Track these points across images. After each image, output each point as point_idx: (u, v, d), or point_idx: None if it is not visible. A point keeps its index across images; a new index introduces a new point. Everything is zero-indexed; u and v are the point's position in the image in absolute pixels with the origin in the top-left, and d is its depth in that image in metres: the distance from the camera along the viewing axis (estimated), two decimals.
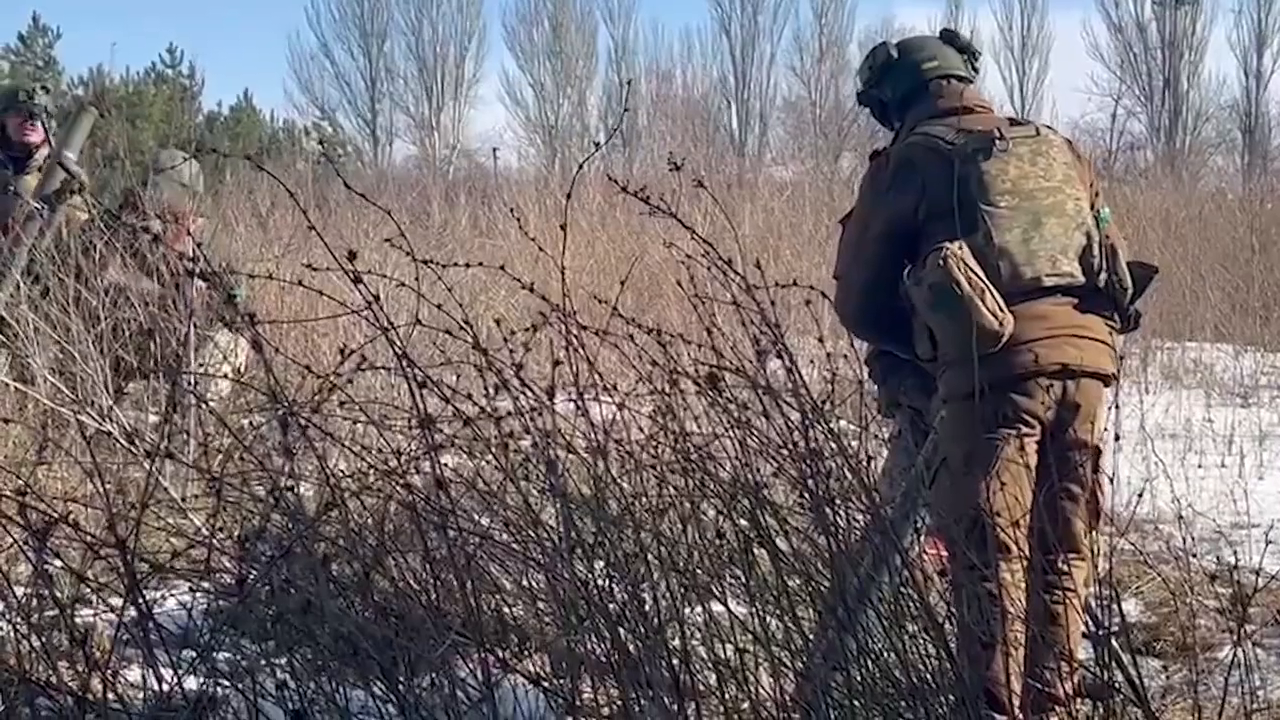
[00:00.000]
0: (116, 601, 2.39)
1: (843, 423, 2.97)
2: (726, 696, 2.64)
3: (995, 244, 3.42)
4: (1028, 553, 3.25)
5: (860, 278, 3.63)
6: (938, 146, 3.52)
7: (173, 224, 6.24)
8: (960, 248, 3.37)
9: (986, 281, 3.36)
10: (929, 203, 3.48)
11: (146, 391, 6.08)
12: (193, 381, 5.05)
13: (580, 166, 3.20)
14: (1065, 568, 3.41)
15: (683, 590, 2.66)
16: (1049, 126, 3.72)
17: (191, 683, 2.56)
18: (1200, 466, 6.66)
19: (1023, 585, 3.23)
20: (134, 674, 2.77)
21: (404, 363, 2.49)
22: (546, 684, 2.86)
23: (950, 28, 4.01)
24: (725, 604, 2.71)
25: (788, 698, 2.63)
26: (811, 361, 3.26)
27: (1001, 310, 3.36)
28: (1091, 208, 3.60)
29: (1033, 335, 3.39)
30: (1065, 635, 3.37)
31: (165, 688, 2.41)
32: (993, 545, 3.02)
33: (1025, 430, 3.38)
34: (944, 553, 3.54)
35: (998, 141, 3.51)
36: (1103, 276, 3.52)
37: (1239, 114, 34.33)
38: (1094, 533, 3.46)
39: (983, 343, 3.28)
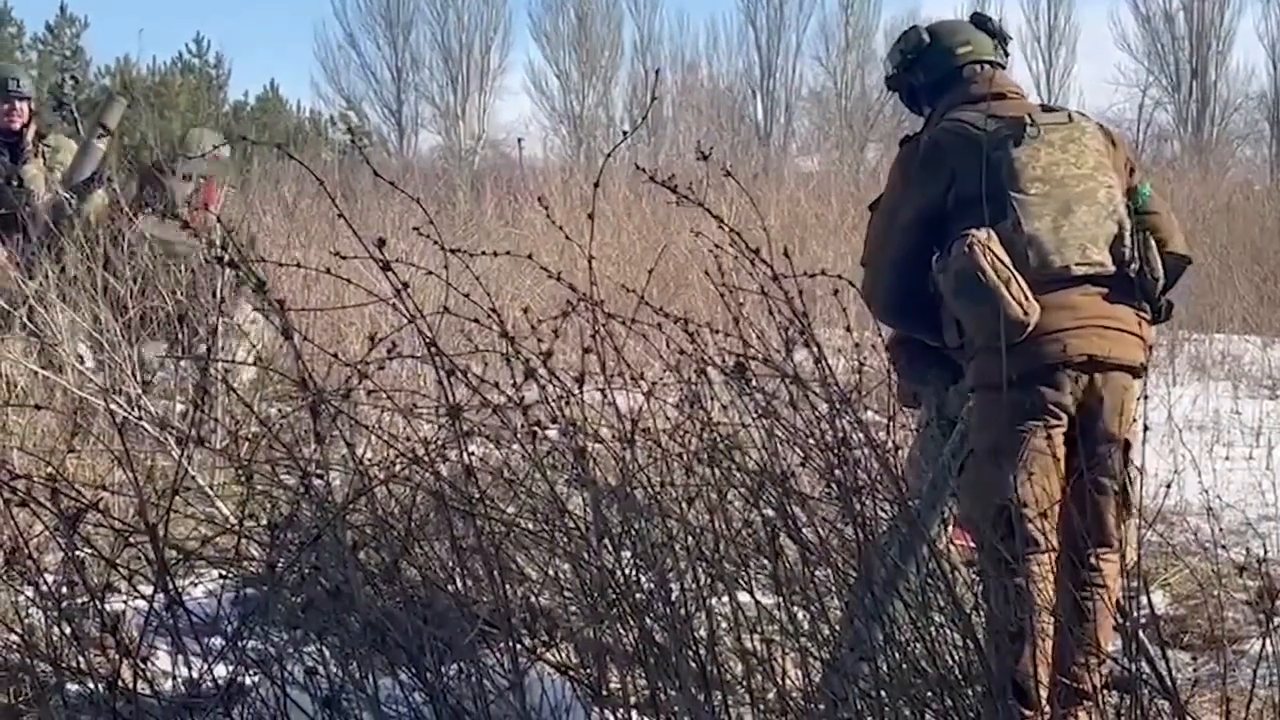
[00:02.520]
0: (146, 589, 2.40)
1: (870, 413, 2.97)
2: (753, 686, 2.64)
3: (1024, 231, 3.39)
4: (1056, 545, 3.24)
5: (889, 264, 3.60)
6: (968, 132, 3.49)
7: (208, 183, 6.30)
8: (987, 235, 3.34)
9: (1013, 269, 3.33)
10: (959, 189, 3.44)
11: (174, 375, 6.11)
12: (221, 369, 5.07)
13: (608, 156, 3.20)
14: (1095, 561, 3.39)
15: (709, 580, 2.66)
16: (1082, 113, 3.67)
17: (221, 670, 2.57)
18: (1228, 458, 6.64)
19: (1050, 577, 3.21)
20: (163, 661, 2.78)
21: (432, 351, 2.49)
22: (573, 673, 2.86)
23: (981, 12, 3.98)
24: (752, 594, 2.71)
25: (814, 688, 2.63)
26: (838, 351, 3.25)
27: (1027, 299, 3.32)
28: (1132, 188, 3.56)
29: (1061, 325, 3.36)
30: (1094, 629, 3.35)
31: (194, 675, 2.42)
32: (1021, 537, 3.00)
33: (1053, 422, 3.35)
34: (971, 544, 3.53)
35: (1029, 128, 3.48)
36: (1134, 266, 3.48)
37: (1267, 105, 34.03)
38: (1124, 526, 3.43)
39: (1009, 331, 3.26)
